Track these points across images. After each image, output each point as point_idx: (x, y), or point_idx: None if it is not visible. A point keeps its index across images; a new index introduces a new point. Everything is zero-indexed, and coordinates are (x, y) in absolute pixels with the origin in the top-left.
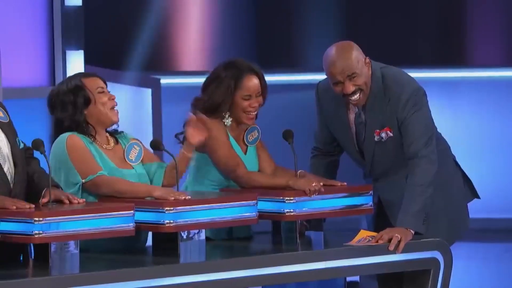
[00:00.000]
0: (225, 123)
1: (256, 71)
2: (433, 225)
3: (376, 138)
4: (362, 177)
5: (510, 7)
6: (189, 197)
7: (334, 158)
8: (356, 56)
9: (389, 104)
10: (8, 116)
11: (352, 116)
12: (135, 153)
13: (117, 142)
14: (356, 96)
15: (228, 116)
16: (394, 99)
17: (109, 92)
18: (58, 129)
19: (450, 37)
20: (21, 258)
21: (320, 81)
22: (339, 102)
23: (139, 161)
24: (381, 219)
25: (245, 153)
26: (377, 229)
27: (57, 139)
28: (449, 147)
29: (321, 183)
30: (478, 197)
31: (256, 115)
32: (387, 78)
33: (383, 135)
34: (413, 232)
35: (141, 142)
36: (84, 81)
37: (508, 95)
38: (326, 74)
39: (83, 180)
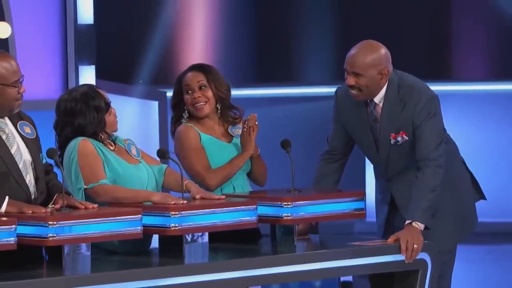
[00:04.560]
0: (185, 118)
1: (197, 66)
2: (440, 223)
3: (392, 142)
4: (375, 177)
5: (493, 25)
6: (185, 201)
7: (342, 162)
8: (373, 61)
9: (404, 108)
10: (36, 131)
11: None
12: (135, 150)
13: (115, 144)
14: (353, 91)
15: (186, 112)
16: (410, 104)
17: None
18: None
19: (436, 52)
20: (37, 260)
21: (338, 87)
22: (359, 104)
23: (140, 156)
24: (392, 217)
25: (230, 142)
26: (388, 228)
27: (70, 144)
28: (457, 149)
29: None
30: (484, 198)
31: (209, 108)
32: (404, 85)
33: (399, 139)
34: (422, 227)
35: (132, 141)
36: (100, 91)
37: (492, 108)
38: None
39: (85, 186)
